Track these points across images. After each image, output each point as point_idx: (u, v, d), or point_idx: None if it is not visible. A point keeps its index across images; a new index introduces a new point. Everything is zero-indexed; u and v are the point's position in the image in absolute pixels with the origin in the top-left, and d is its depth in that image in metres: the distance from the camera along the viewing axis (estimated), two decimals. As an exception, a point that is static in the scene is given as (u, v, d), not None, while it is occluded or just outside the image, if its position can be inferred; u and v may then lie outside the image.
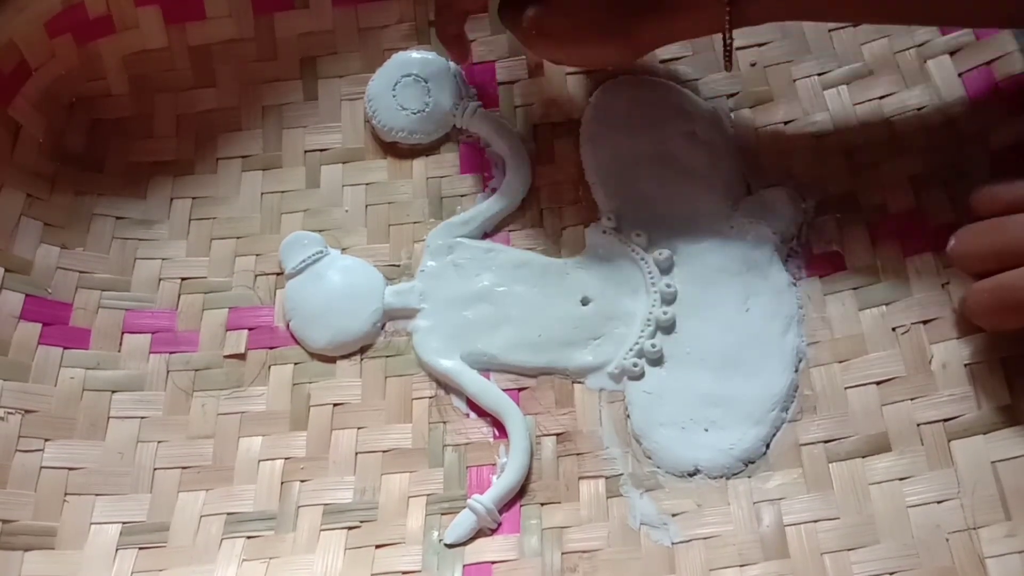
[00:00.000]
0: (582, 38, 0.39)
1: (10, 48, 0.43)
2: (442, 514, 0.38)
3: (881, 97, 0.43)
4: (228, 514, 0.38)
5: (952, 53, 0.42)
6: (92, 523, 0.38)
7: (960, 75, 0.42)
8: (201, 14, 0.47)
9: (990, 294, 0.34)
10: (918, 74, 0.43)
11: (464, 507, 0.38)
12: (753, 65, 0.45)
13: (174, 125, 0.47)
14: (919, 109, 0.42)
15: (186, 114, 0.47)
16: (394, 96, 0.46)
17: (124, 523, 0.38)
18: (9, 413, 0.39)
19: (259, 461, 0.40)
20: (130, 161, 0.47)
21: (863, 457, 0.36)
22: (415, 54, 0.47)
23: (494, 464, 0.39)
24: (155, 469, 0.40)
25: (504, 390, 0.40)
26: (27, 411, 0.39)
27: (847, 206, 0.41)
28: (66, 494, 0.38)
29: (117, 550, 0.38)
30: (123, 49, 0.47)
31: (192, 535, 0.38)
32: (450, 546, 0.37)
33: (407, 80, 0.46)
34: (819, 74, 0.44)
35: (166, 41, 0.47)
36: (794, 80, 0.44)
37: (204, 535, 0.38)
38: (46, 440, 0.39)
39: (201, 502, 0.39)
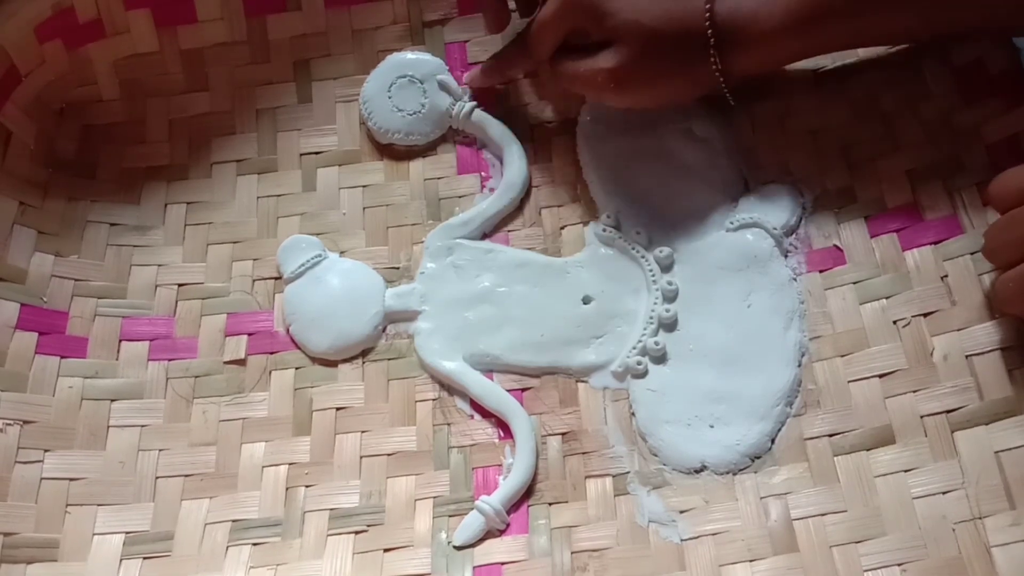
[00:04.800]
0: (661, 79, 0.40)
1: None
2: (449, 516, 0.38)
3: (876, 92, 0.43)
4: (233, 521, 0.38)
5: (945, 48, 0.43)
6: (95, 534, 0.38)
7: (954, 69, 0.42)
8: (192, 17, 0.47)
9: (1015, 282, 0.34)
10: (912, 69, 0.43)
11: (471, 509, 0.38)
12: None
13: (167, 130, 0.47)
14: (914, 104, 0.42)
15: (179, 118, 0.47)
16: (389, 98, 0.46)
17: (127, 533, 0.38)
18: (8, 424, 0.38)
19: (263, 467, 0.39)
20: (123, 167, 0.46)
21: (868, 450, 0.37)
22: (410, 55, 0.47)
23: (500, 465, 0.39)
24: (157, 478, 0.39)
25: (508, 390, 0.40)
26: (26, 422, 0.39)
27: (845, 201, 0.42)
28: (67, 505, 0.38)
29: (121, 560, 0.37)
30: (114, 53, 0.46)
31: (197, 543, 0.38)
32: (459, 548, 0.37)
33: (402, 81, 0.46)
34: (814, 70, 0.44)
35: (157, 45, 0.47)
36: (789, 77, 0.45)
37: (209, 543, 0.38)
38: (46, 451, 0.39)
39: (205, 510, 0.39)
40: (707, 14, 0.39)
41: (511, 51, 0.45)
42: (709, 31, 0.39)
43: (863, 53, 0.44)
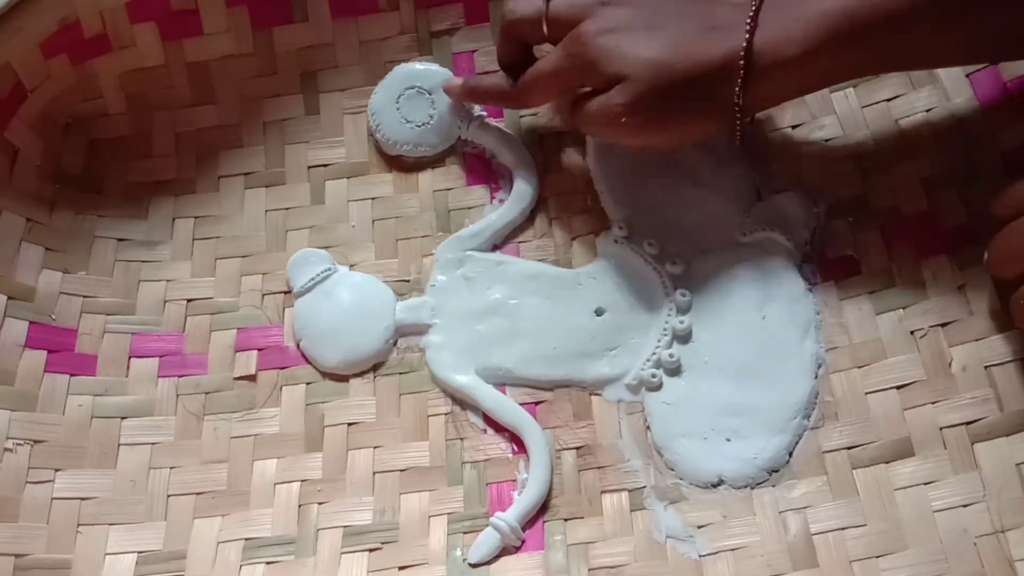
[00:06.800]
0: (678, 113, 0.37)
1: (6, 70, 0.42)
2: (464, 533, 0.37)
3: (889, 99, 0.43)
4: (246, 539, 0.38)
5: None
6: (107, 554, 0.37)
7: (968, 76, 0.42)
8: (198, 30, 0.46)
9: None
10: (925, 76, 0.42)
11: (486, 525, 0.37)
12: None
13: (173, 143, 0.46)
14: (928, 111, 0.42)
15: (185, 132, 0.47)
16: (398, 109, 0.46)
17: (140, 552, 0.38)
18: (18, 444, 0.38)
19: (275, 484, 0.39)
20: (130, 181, 0.46)
21: (887, 463, 0.36)
22: (418, 66, 0.46)
23: (514, 480, 0.38)
24: (169, 496, 0.39)
25: (521, 404, 0.40)
26: (36, 441, 0.38)
27: (859, 210, 0.41)
28: (79, 525, 0.38)
29: (134, 580, 0.37)
30: (120, 67, 0.46)
31: (210, 562, 0.37)
32: (474, 565, 0.37)
33: (410, 92, 0.46)
34: (825, 77, 0.44)
35: (163, 58, 0.46)
36: (800, 84, 0.44)
37: (223, 562, 0.37)
38: (56, 470, 0.38)
39: (218, 528, 0.38)
40: (744, 45, 0.35)
41: (500, 87, 0.42)
42: (742, 63, 0.35)
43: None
